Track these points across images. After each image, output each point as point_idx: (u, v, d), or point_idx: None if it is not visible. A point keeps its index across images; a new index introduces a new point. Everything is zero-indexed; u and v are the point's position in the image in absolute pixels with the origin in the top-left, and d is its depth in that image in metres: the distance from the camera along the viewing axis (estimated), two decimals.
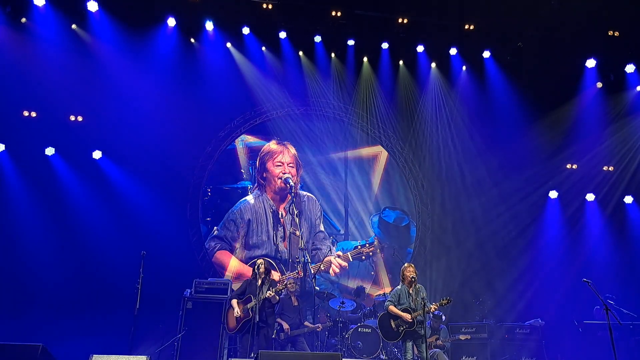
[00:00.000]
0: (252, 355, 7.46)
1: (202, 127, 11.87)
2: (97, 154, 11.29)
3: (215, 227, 11.65)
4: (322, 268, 11.18)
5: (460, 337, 9.68)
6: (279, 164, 11.91)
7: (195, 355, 8.91)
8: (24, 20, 10.80)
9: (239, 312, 8.08)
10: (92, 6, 10.87)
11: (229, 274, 11.43)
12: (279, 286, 8.19)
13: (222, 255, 11.58)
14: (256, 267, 8.34)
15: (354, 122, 12.70)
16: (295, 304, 9.35)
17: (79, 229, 10.76)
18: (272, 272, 9.99)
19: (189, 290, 9.49)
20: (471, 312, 11.19)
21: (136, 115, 11.26)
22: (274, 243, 11.65)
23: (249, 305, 8.08)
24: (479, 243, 12.32)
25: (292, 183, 11.69)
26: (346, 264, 11.50)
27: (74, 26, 11.10)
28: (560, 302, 11.36)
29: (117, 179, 11.21)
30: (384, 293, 10.62)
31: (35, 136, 10.94)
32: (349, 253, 11.51)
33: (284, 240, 11.70)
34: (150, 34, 11.28)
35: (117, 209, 11.01)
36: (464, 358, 9.76)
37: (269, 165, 11.95)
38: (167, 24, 11.34)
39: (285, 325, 8.92)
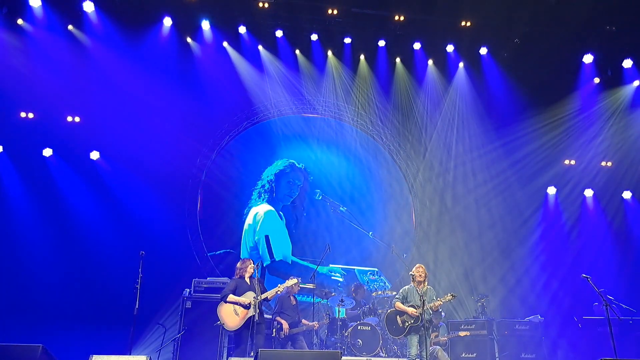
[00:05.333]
0: (252, 354, 7.44)
1: (199, 127, 11.87)
2: (94, 155, 11.29)
3: None
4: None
5: (460, 334, 9.67)
6: None
7: (195, 355, 8.89)
8: (20, 21, 10.80)
9: (246, 301, 7.71)
10: (88, 6, 10.89)
11: None
12: (280, 287, 8.09)
13: None
14: (246, 266, 8.05)
15: (351, 120, 12.70)
16: (294, 302, 9.34)
17: (78, 230, 10.77)
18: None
19: (188, 290, 9.47)
20: (470, 309, 11.20)
21: (133, 115, 11.26)
22: None
23: (253, 302, 7.66)
24: (477, 239, 12.34)
25: None
26: None
27: (70, 27, 11.10)
28: (559, 298, 11.37)
29: (115, 179, 11.21)
30: (383, 292, 10.62)
31: (32, 137, 10.95)
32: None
33: None
34: (147, 34, 11.29)
35: (115, 209, 11.01)
36: (463, 354, 9.71)
37: None
38: (163, 23, 11.35)
39: (285, 324, 8.91)
